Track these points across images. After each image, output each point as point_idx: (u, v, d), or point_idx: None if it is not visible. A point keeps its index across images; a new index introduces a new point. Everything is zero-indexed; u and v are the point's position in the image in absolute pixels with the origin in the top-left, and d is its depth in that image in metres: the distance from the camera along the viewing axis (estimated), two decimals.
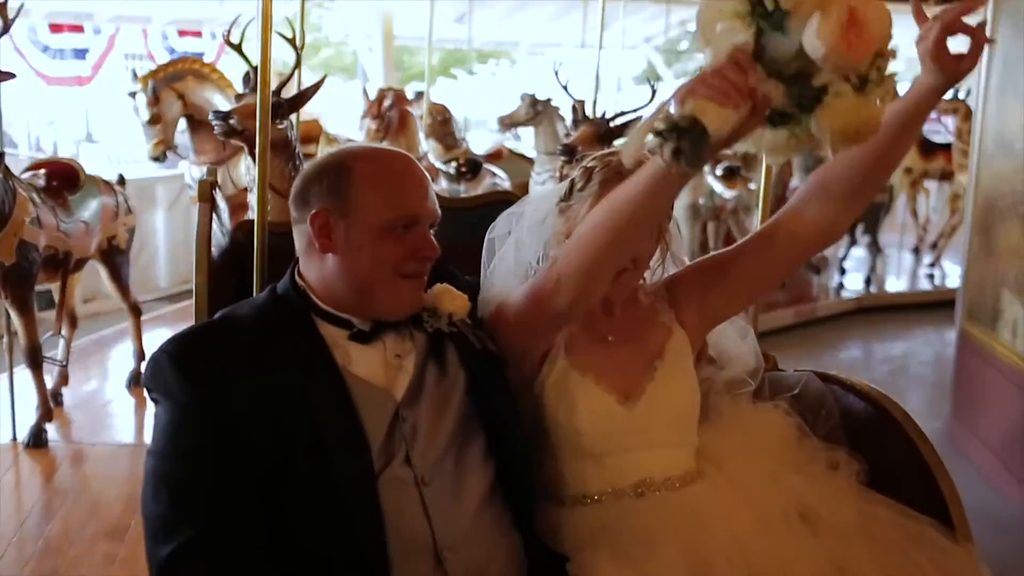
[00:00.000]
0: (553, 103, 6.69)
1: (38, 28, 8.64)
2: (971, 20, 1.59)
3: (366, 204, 1.70)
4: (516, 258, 2.04)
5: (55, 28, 8.77)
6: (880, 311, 8.24)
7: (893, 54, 1.44)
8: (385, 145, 4.09)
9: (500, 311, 1.92)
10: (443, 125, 7.56)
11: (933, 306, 8.12)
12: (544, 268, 1.86)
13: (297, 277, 1.78)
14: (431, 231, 1.77)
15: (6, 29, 3.72)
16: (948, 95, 8.82)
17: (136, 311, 5.26)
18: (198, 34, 9.54)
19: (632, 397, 1.91)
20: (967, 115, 8.74)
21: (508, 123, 6.89)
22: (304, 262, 1.78)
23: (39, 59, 8.74)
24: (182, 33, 9.29)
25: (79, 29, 8.90)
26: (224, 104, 5.27)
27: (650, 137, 1.44)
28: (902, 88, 1.60)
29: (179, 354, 1.64)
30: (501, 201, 2.87)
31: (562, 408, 1.90)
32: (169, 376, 1.61)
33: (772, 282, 2.07)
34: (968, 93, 8.86)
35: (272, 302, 1.77)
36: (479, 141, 8.38)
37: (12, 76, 3.81)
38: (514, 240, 2.06)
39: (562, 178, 4.47)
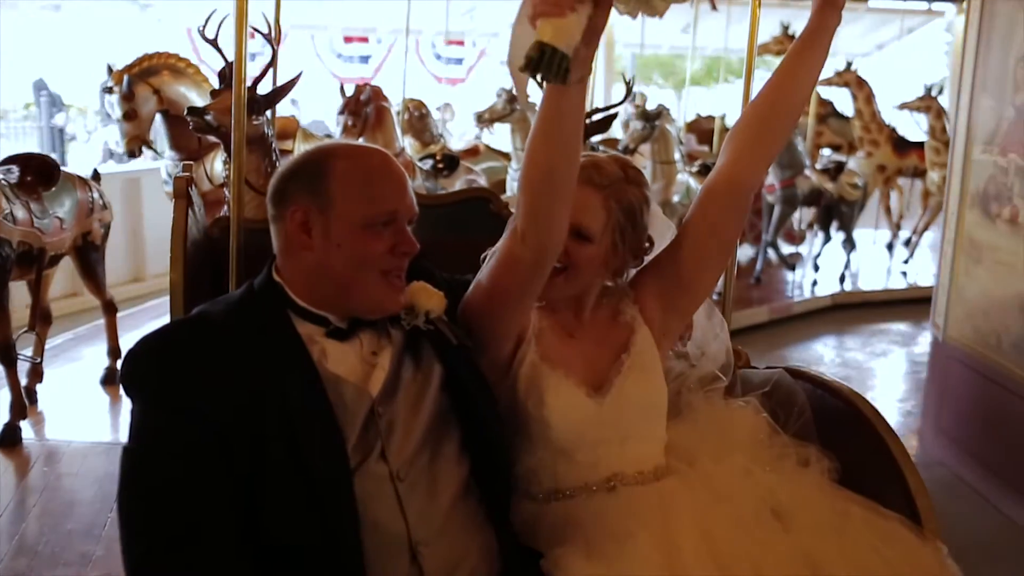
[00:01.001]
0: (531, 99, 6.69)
1: (334, 40, 12.17)
2: None
3: (345, 201, 1.70)
4: None
5: (348, 39, 12.28)
6: (854, 308, 8.30)
7: None
8: (362, 141, 4.09)
9: (471, 294, 1.94)
10: (420, 120, 7.56)
11: (906, 303, 8.19)
12: (504, 236, 1.88)
13: (274, 274, 1.78)
14: (409, 227, 1.78)
15: None
16: (920, 92, 8.91)
17: (111, 308, 5.24)
18: (461, 43, 12.74)
19: (601, 390, 1.93)
20: (939, 113, 8.84)
21: (486, 118, 6.89)
22: (282, 259, 1.78)
23: (334, 63, 12.17)
24: (449, 43, 12.50)
25: (364, 40, 12.30)
26: (200, 100, 5.25)
27: None
28: None
29: (155, 351, 1.63)
30: (477, 198, 2.89)
31: (532, 400, 1.92)
32: (145, 373, 1.61)
33: (723, 243, 2.03)
34: (941, 91, 8.96)
35: (249, 299, 1.77)
36: None
37: None
38: None
39: None
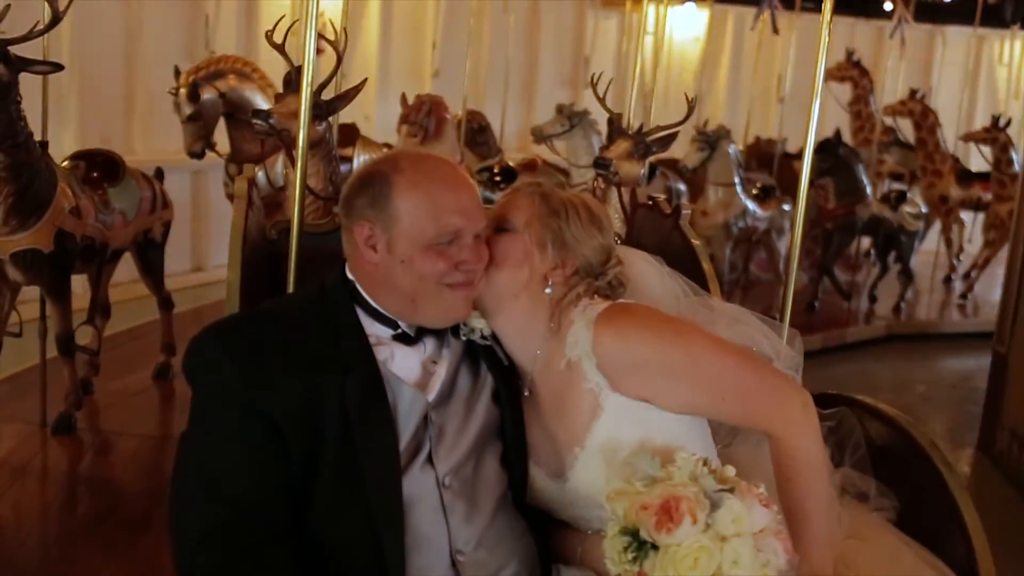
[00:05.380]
0: (591, 115, 6.68)
1: None
2: None
3: (408, 219, 1.71)
4: None
5: None
6: (909, 339, 8.16)
7: None
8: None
9: None
10: (480, 133, 7.57)
11: (963, 337, 8.04)
12: None
13: (348, 272, 1.80)
14: (480, 237, 1.78)
15: (57, 20, 3.78)
16: (987, 122, 8.77)
17: (168, 305, 5.31)
18: None
19: (559, 476, 1.82)
20: (1005, 145, 8.67)
21: (544, 134, 6.88)
22: (352, 264, 1.80)
23: None
24: None
25: None
26: (264, 104, 5.32)
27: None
28: None
29: (221, 341, 1.66)
30: None
31: None
32: (206, 363, 1.64)
33: None
34: (1009, 122, 8.79)
35: (319, 297, 1.79)
36: None
37: (61, 68, 3.86)
38: None
39: (595, 191, 4.47)
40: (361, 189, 1.76)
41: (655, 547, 1.49)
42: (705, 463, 1.55)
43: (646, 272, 2.02)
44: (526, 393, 1.88)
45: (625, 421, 1.74)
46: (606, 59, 11.02)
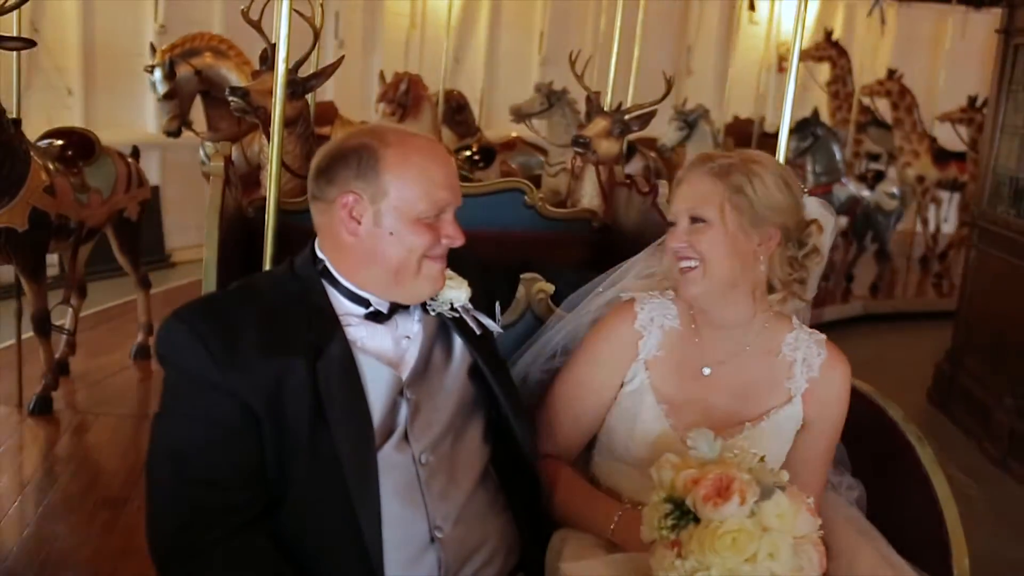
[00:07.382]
0: (569, 94, 6.67)
1: None
2: None
3: (398, 192, 1.70)
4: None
5: None
6: (886, 319, 8.22)
7: None
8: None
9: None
10: (458, 112, 7.53)
11: (939, 316, 8.10)
12: (542, 402, 2.04)
13: (318, 251, 1.79)
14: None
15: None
16: (963, 102, 8.77)
17: (145, 284, 5.28)
18: None
19: None
20: (981, 125, 8.71)
21: (523, 113, 6.86)
22: (325, 239, 1.78)
23: None
24: None
25: None
26: (240, 82, 5.27)
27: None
28: None
29: (195, 320, 1.64)
30: (512, 189, 2.90)
31: (623, 425, 1.92)
32: (179, 343, 1.62)
33: None
34: (985, 103, 8.82)
35: (289, 275, 1.78)
36: None
37: (33, 44, 3.82)
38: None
39: (573, 170, 4.47)
40: (344, 161, 1.74)
41: (696, 520, 1.51)
42: (762, 459, 1.59)
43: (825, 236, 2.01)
44: (705, 372, 1.92)
45: (791, 423, 1.91)
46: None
